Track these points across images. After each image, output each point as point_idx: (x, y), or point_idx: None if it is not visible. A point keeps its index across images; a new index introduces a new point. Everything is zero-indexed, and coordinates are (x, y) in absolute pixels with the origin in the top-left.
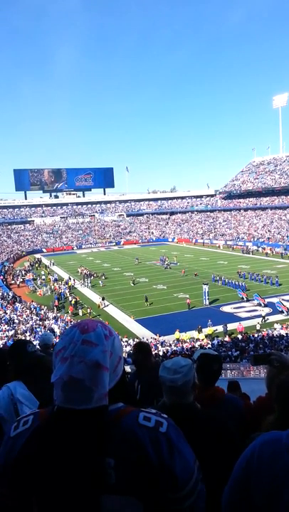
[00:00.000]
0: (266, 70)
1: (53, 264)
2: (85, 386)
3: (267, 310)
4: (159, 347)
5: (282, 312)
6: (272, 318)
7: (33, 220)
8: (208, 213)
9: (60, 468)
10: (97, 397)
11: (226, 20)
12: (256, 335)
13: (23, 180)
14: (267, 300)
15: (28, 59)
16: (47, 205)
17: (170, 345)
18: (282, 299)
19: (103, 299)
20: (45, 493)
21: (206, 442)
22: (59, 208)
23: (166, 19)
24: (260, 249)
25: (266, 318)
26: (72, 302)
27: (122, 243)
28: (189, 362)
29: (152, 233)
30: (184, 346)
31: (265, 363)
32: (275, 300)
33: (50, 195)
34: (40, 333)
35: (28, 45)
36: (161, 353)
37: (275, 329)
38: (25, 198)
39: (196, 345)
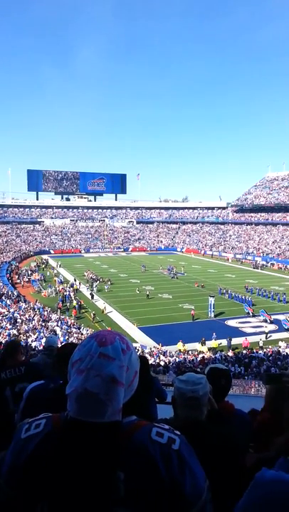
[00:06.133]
0: (286, 87)
1: (60, 266)
2: (100, 400)
3: (272, 327)
4: (161, 357)
5: (287, 330)
6: (277, 336)
7: (43, 221)
8: (219, 225)
9: (70, 477)
10: (111, 411)
11: (257, 35)
12: (260, 351)
13: (36, 181)
14: (273, 317)
15: (54, 57)
16: (58, 207)
17: (172, 355)
18: None
19: (92, 297)
20: (53, 500)
21: (215, 460)
22: (70, 210)
23: (189, 30)
24: (269, 264)
25: (269, 335)
26: (74, 304)
27: (130, 250)
28: (203, 375)
29: (161, 242)
30: (187, 358)
31: (276, 383)
32: (281, 317)
33: (62, 198)
34: (42, 333)
35: (54, 43)
36: (162, 364)
37: (279, 347)
38: (37, 199)
39: (199, 358)
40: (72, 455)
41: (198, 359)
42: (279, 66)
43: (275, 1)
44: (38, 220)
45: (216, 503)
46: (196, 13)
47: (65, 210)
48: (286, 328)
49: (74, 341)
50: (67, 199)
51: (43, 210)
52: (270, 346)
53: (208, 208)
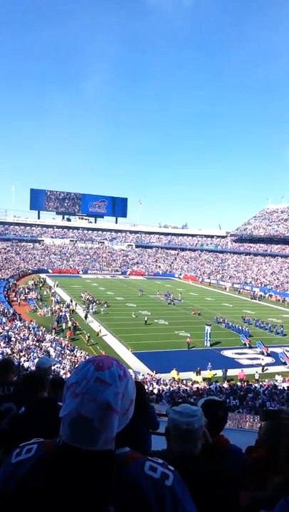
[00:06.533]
0: (286, 122)
1: (57, 285)
2: (93, 427)
3: (269, 360)
4: (154, 385)
5: (285, 364)
6: (274, 369)
7: (43, 240)
8: (218, 254)
9: (59, 506)
10: (104, 439)
11: (248, 73)
12: (255, 384)
13: (39, 200)
14: (270, 349)
15: (61, 81)
16: (58, 227)
17: (166, 384)
18: (286, 350)
19: (86, 317)
20: None
21: (208, 497)
22: (70, 231)
23: (193, 64)
24: (267, 295)
25: (266, 368)
26: (69, 325)
27: (128, 273)
28: (199, 408)
29: (159, 267)
30: (181, 387)
31: (273, 420)
32: (278, 350)
33: (63, 218)
34: (35, 353)
35: (63, 68)
36: (156, 391)
37: (276, 381)
38: (38, 218)
39: (194, 388)
40: (63, 483)
41: (193, 389)
42: (279, 100)
43: (273, 40)
44: (38, 238)
45: None
46: (198, 47)
47: (66, 230)
48: (283, 361)
49: (67, 363)
50: (68, 219)
51: (44, 229)
52: (266, 380)
53: (207, 236)
